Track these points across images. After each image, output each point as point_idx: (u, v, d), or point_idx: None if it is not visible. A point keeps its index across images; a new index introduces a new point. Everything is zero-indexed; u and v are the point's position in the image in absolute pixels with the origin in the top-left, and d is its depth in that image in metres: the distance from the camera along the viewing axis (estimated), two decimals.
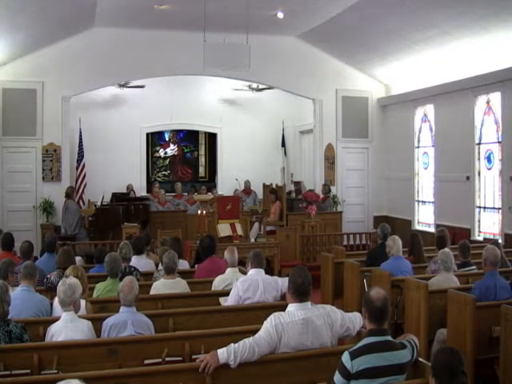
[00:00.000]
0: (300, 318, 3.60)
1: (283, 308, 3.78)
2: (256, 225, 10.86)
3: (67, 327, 4.11)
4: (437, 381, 2.88)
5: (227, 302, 5.22)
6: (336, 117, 13.24)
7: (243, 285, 5.11)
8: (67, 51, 11.60)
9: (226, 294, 5.42)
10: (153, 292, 5.59)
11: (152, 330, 4.41)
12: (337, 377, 3.22)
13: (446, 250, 6.12)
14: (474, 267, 6.48)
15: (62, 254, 5.87)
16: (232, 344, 3.53)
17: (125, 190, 13.16)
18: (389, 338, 3.30)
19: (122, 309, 4.34)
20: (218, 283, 5.75)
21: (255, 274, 5.18)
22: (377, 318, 3.29)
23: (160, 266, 6.30)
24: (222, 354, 3.48)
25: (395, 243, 6.57)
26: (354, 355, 3.18)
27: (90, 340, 4.14)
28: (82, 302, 4.67)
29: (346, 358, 3.19)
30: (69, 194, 10.97)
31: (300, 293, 3.65)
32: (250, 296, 5.07)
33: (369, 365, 3.15)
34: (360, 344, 3.25)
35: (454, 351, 2.93)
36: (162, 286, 5.60)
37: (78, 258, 7.00)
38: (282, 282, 5.18)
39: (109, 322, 4.29)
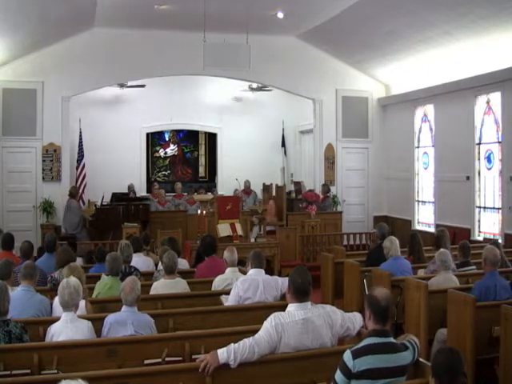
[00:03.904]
0: (300, 318, 3.60)
1: (283, 308, 3.78)
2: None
3: (67, 327, 4.11)
4: (437, 381, 2.87)
5: (227, 301, 5.22)
6: (336, 117, 13.24)
7: (243, 284, 5.11)
8: (67, 51, 11.59)
9: (226, 292, 5.42)
10: (153, 292, 5.59)
11: (153, 328, 4.43)
12: (338, 375, 3.21)
13: (444, 250, 6.13)
14: (473, 267, 6.48)
15: (62, 253, 5.87)
16: (232, 344, 3.53)
17: (125, 190, 13.15)
18: (391, 339, 3.29)
19: (123, 308, 4.37)
20: (217, 283, 5.75)
21: (255, 273, 5.18)
22: (382, 318, 3.26)
23: (160, 266, 6.30)
24: (222, 354, 3.48)
25: (393, 244, 6.56)
26: (355, 355, 3.17)
27: (90, 340, 4.14)
28: (82, 302, 4.67)
29: (348, 356, 3.18)
30: (72, 194, 11.00)
31: (300, 293, 3.65)
32: (250, 296, 5.07)
33: (370, 366, 3.15)
34: (362, 344, 3.24)
35: (454, 351, 2.93)
36: (161, 286, 5.60)
37: (78, 259, 7.00)
38: (283, 282, 5.18)
39: (109, 319, 4.31)
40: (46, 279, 5.80)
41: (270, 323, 3.58)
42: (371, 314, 3.29)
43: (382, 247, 6.89)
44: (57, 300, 4.70)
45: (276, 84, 13.33)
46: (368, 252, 7.91)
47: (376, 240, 7.94)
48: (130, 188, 13.29)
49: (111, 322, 4.28)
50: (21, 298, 4.71)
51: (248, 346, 3.50)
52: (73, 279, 4.39)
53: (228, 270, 5.80)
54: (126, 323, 4.24)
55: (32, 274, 4.95)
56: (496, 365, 4.75)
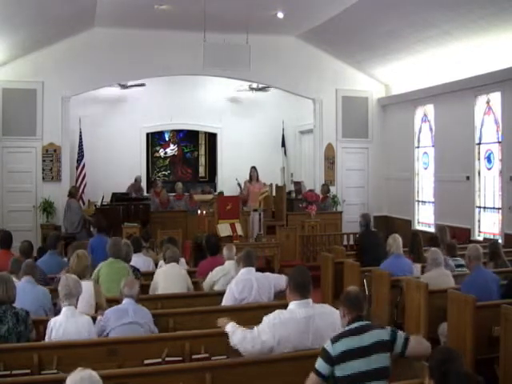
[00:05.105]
0: (302, 316, 3.63)
1: (283, 307, 3.79)
2: (256, 221, 10.79)
3: (68, 321, 4.16)
4: (434, 381, 2.87)
5: (224, 302, 5.28)
6: (336, 117, 13.23)
7: (237, 286, 5.16)
8: (67, 51, 11.58)
9: (222, 293, 5.47)
10: (155, 277, 5.84)
11: (151, 320, 4.54)
12: (319, 362, 3.24)
13: (434, 248, 6.35)
14: (460, 259, 6.75)
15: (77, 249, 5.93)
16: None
17: (125, 190, 13.09)
18: (366, 322, 3.36)
19: (124, 300, 4.52)
20: (216, 272, 5.93)
21: (247, 273, 5.26)
22: (356, 308, 3.34)
23: (160, 264, 6.44)
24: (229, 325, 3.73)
25: (395, 241, 6.69)
26: (334, 340, 3.25)
27: (90, 340, 4.15)
28: (87, 284, 4.81)
29: (327, 343, 3.26)
30: (72, 193, 10.99)
31: (301, 288, 3.69)
32: (246, 296, 5.14)
33: (348, 347, 3.20)
34: (341, 331, 3.34)
35: (452, 351, 2.94)
36: (162, 271, 5.90)
37: None
38: (274, 277, 5.38)
39: (110, 311, 4.45)
40: (46, 279, 5.82)
41: (271, 321, 3.60)
42: (345, 309, 3.37)
43: (369, 232, 7.55)
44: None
45: (276, 84, 13.33)
46: (357, 242, 8.07)
47: (361, 228, 8.36)
48: (137, 180, 13.20)
49: (112, 313, 4.41)
50: (24, 289, 4.81)
51: (250, 337, 3.57)
52: (73, 276, 4.51)
53: (227, 262, 5.98)
54: (127, 311, 4.40)
55: (32, 272, 5.07)
56: (496, 365, 4.75)
